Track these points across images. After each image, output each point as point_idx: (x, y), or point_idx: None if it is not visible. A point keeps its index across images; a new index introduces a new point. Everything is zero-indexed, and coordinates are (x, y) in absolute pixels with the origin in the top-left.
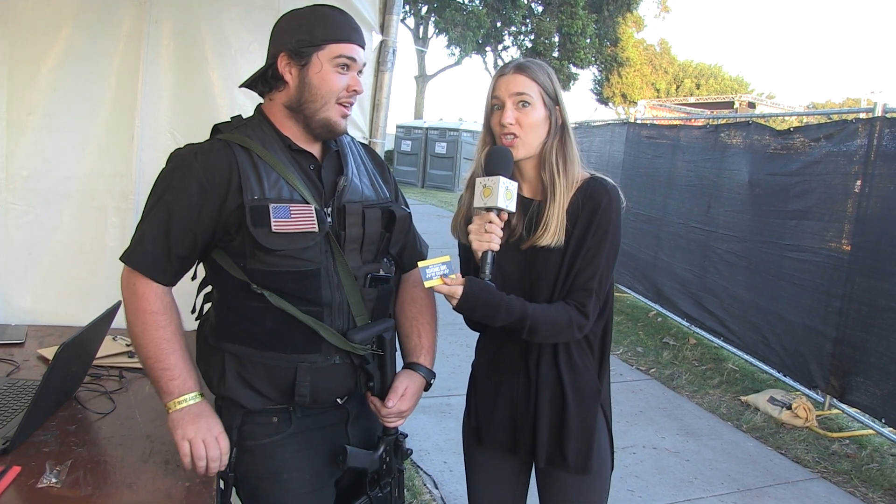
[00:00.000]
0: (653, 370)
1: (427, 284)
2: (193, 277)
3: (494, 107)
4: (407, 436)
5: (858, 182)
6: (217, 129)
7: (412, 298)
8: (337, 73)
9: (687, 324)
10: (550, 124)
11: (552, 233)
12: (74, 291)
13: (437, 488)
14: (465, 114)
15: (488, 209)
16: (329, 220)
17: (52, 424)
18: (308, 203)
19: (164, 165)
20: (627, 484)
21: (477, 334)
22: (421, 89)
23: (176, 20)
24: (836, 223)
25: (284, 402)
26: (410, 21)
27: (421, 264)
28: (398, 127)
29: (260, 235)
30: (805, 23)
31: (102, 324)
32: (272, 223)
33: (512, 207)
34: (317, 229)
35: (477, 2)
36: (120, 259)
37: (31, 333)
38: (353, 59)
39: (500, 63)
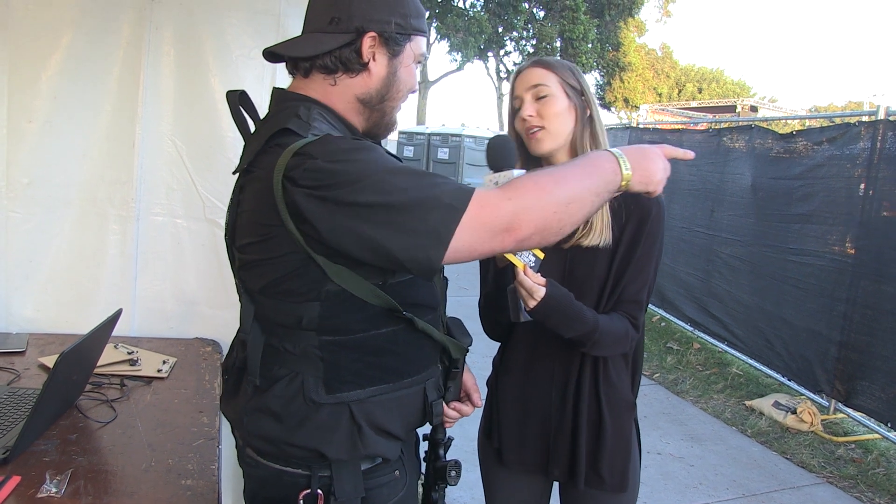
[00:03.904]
0: (657, 375)
1: (507, 255)
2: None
3: (516, 109)
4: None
5: (862, 185)
6: (290, 130)
7: None
8: (413, 69)
9: (691, 328)
10: (577, 115)
11: (599, 232)
12: (75, 299)
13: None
14: (467, 119)
15: None
16: None
17: (52, 433)
18: None
19: (167, 173)
20: None
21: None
22: (423, 95)
23: (177, 26)
24: (839, 227)
25: (408, 436)
26: None
27: None
28: (400, 133)
29: None
30: (806, 26)
31: (103, 331)
32: None
33: None
34: None
35: (478, 7)
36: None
37: (32, 342)
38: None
39: (502, 68)
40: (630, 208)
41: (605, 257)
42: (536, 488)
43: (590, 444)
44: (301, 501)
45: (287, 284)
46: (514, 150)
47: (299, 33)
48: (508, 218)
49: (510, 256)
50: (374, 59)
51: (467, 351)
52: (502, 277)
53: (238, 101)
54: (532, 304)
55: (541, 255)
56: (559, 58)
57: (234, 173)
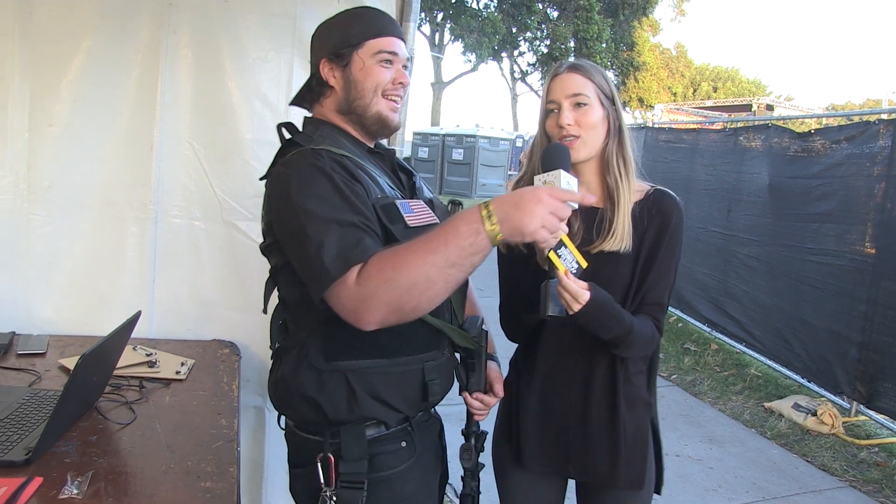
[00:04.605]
0: (674, 376)
1: (552, 256)
2: (265, 310)
3: (550, 111)
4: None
5: (882, 184)
6: (295, 142)
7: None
8: (381, 67)
9: (708, 329)
10: (609, 124)
11: (620, 238)
12: (95, 301)
13: (457, 497)
14: (481, 120)
15: None
16: None
17: (73, 435)
18: (418, 199)
19: (184, 176)
20: None
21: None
22: (437, 96)
23: (194, 29)
24: (859, 226)
25: (410, 411)
26: (426, 28)
27: (564, 238)
28: (415, 134)
29: (398, 232)
30: (822, 24)
31: (123, 333)
32: (406, 218)
33: (574, 204)
34: (437, 220)
35: (492, 8)
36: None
37: (52, 343)
38: (395, 53)
39: (516, 69)
40: (651, 214)
41: (628, 262)
42: (553, 488)
43: (609, 442)
44: (318, 463)
45: (289, 267)
46: (569, 157)
47: (312, 34)
48: (356, 303)
49: (554, 259)
50: (333, 78)
51: (477, 343)
52: (542, 275)
53: (286, 128)
54: (577, 307)
55: (584, 264)
56: (588, 61)
57: (260, 179)
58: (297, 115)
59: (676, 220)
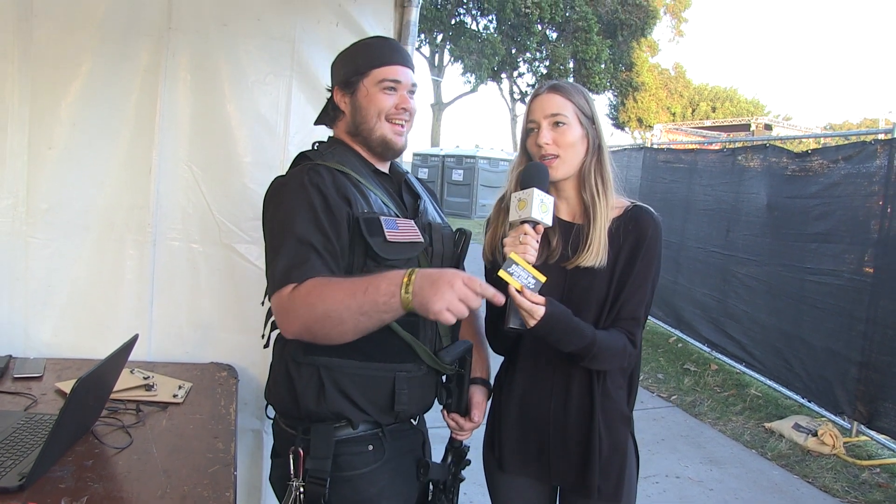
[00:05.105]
0: (674, 397)
1: (502, 274)
2: (263, 303)
3: (531, 130)
4: (469, 446)
5: (879, 203)
6: (306, 156)
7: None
8: (384, 94)
9: (708, 349)
10: (588, 143)
11: (595, 253)
12: (93, 324)
13: None
14: (481, 141)
15: (523, 221)
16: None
17: (68, 459)
18: (408, 218)
19: (183, 198)
20: None
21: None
22: (437, 117)
23: (193, 53)
24: (857, 245)
25: (378, 416)
26: (426, 49)
27: (514, 256)
28: (415, 155)
29: (376, 244)
30: (820, 44)
31: (120, 357)
32: (386, 233)
33: (548, 221)
34: (422, 240)
35: (492, 29)
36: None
37: (49, 367)
38: (398, 81)
39: (515, 90)
40: (628, 228)
41: (604, 276)
42: (540, 494)
43: (586, 453)
44: (291, 455)
45: None
46: (546, 176)
47: (312, 59)
48: (283, 312)
49: (504, 277)
50: (344, 103)
51: (453, 369)
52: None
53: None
54: (533, 322)
55: (542, 279)
56: (572, 81)
57: None
58: (322, 134)
59: (653, 235)
